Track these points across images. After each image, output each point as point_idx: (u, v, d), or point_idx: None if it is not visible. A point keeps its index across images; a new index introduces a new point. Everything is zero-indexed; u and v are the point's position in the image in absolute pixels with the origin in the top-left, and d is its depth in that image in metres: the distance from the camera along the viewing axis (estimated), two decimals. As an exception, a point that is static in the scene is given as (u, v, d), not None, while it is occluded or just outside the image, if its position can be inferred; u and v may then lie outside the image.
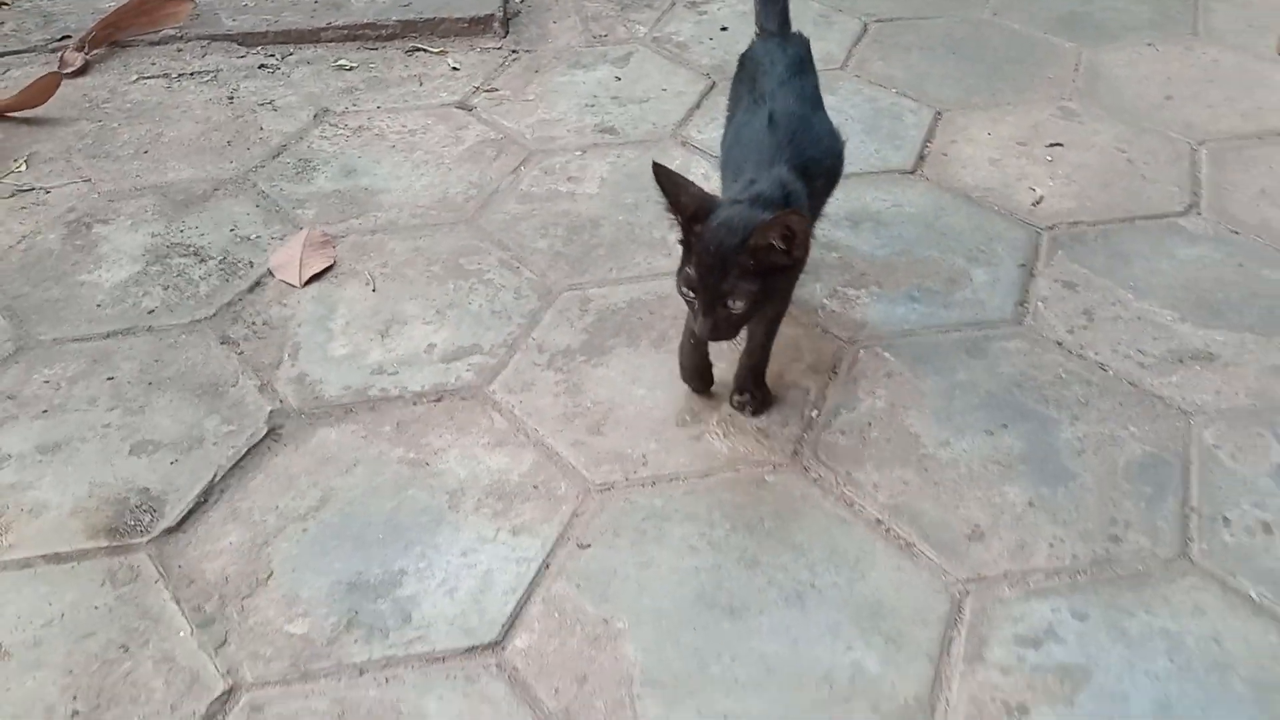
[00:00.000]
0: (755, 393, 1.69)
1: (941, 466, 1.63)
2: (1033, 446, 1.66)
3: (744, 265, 1.42)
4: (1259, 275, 2.00)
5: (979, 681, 1.34)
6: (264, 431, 1.72)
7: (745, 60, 1.84)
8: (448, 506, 1.59)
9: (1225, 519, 1.54)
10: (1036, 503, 1.57)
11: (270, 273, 2.06)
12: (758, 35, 1.87)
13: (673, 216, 1.48)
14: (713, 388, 1.75)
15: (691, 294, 1.47)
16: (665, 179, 1.47)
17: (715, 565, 1.50)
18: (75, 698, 1.35)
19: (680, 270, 1.48)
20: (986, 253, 2.06)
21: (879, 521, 1.55)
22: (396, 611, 1.44)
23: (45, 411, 1.76)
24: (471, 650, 1.40)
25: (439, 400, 1.78)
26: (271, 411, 1.75)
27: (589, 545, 1.53)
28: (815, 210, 1.69)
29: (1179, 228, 2.12)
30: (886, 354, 1.84)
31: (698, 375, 1.72)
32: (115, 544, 1.54)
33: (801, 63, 1.78)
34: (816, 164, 1.64)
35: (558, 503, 1.59)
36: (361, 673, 1.37)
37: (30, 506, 1.60)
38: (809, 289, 1.97)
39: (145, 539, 1.55)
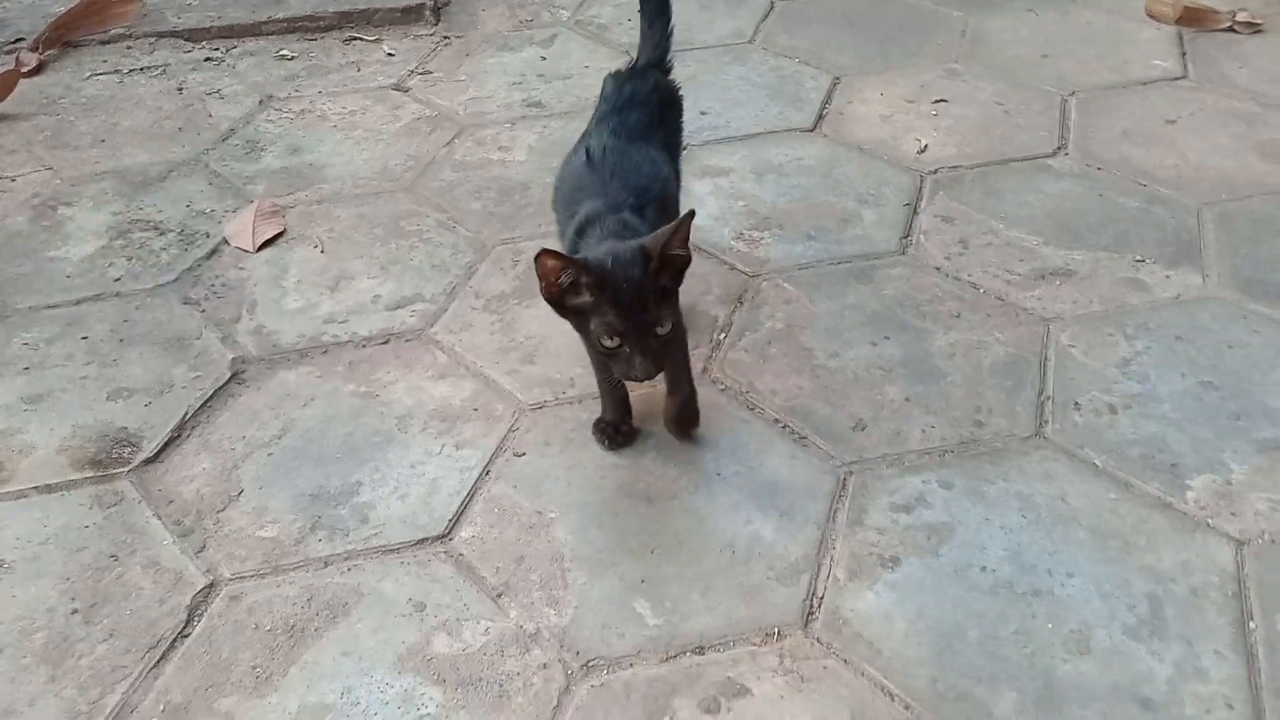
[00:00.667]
0: (694, 431, 1.72)
1: (831, 374, 1.86)
2: (910, 353, 1.89)
3: (659, 287, 1.43)
4: (1116, 203, 2.25)
5: (858, 540, 1.57)
6: (228, 376, 1.91)
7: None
8: (397, 429, 1.79)
9: (1076, 404, 1.78)
10: (912, 398, 1.80)
11: (226, 241, 2.24)
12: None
13: (576, 296, 1.46)
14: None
15: (616, 341, 1.44)
16: (555, 255, 1.43)
17: (634, 463, 1.71)
18: (73, 599, 1.53)
19: (593, 327, 1.45)
20: (876, 196, 2.30)
21: (776, 420, 1.77)
22: (355, 515, 1.64)
23: (26, 369, 1.93)
24: (422, 542, 1.60)
25: (386, 343, 1.97)
26: (233, 359, 1.94)
27: (524, 454, 1.74)
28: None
29: (1047, 167, 2.37)
30: (786, 284, 2.06)
31: (624, 435, 1.73)
32: (99, 474, 1.72)
33: (632, 97, 1.78)
34: (644, 194, 1.64)
35: (495, 421, 1.79)
36: (326, 565, 1.57)
37: (20, 448, 1.77)
38: (718, 234, 2.19)
39: (126, 469, 1.73)
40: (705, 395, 1.79)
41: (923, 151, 2.42)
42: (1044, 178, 2.33)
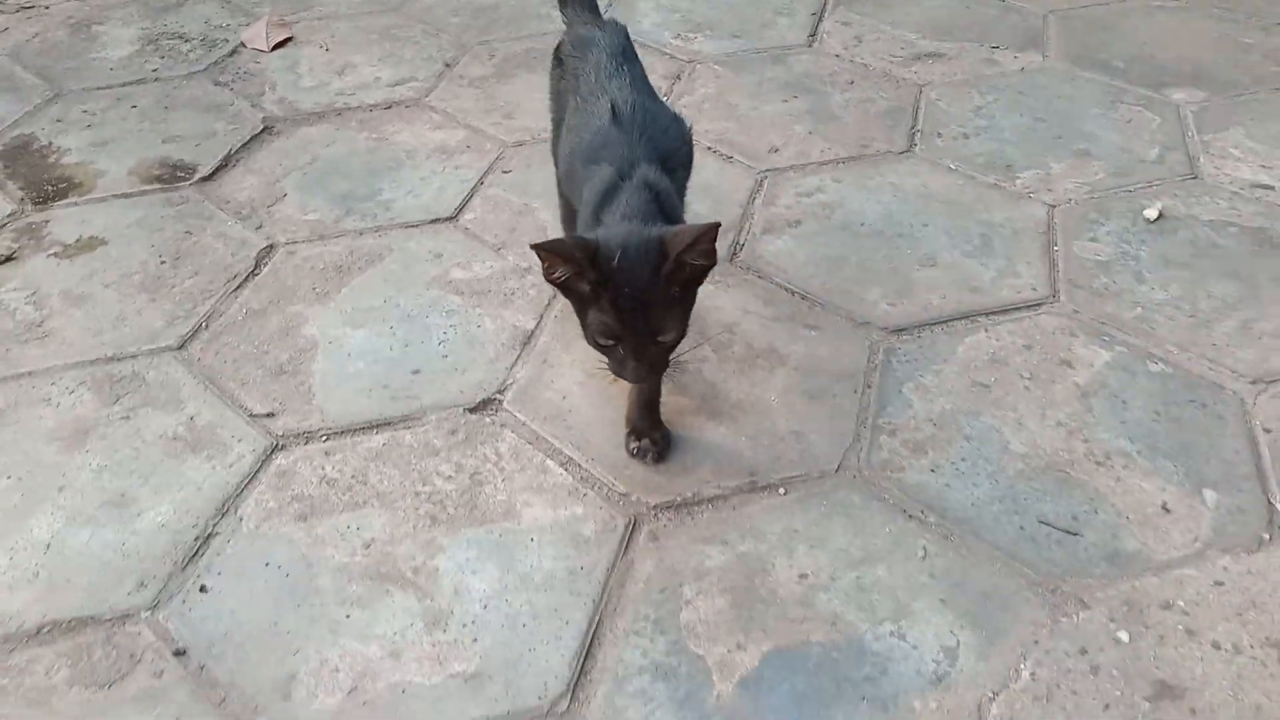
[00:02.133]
0: (654, 435, 1.52)
1: (751, 119, 2.34)
2: (814, 106, 2.39)
3: (668, 294, 1.29)
4: (979, 11, 2.77)
5: (771, 212, 2.06)
6: (260, 128, 2.33)
7: (561, 57, 1.68)
8: (406, 158, 2.24)
9: (939, 133, 2.29)
10: (815, 132, 2.30)
11: (243, 44, 2.66)
12: (568, 29, 1.73)
13: (578, 283, 1.29)
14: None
15: (613, 341, 1.31)
16: (552, 251, 1.27)
17: (597, 173, 2.18)
18: (161, 257, 1.96)
19: (590, 320, 1.31)
20: (789, 8, 2.79)
21: (709, 148, 2.25)
22: (379, 207, 2.09)
23: (89, 126, 2.34)
24: (435, 221, 2.05)
25: (389, 108, 2.41)
26: (263, 117, 2.37)
27: (510, 171, 2.19)
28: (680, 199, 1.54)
29: (927, -10, 2.89)
30: (716, 67, 2.55)
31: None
32: (166, 186, 2.14)
33: (625, 50, 1.61)
34: (674, 155, 1.50)
35: (485, 154, 2.25)
36: (360, 234, 2.02)
37: (95, 172, 2.19)
38: (659, 35, 2.67)
39: (188, 183, 2.15)
40: (652, 131, 2.25)
41: (827, -21, 2.92)
42: (924, -3, 2.85)
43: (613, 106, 1.47)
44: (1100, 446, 1.54)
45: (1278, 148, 2.20)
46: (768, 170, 2.18)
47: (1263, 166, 2.14)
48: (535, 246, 1.26)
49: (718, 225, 1.25)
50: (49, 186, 2.14)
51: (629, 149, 1.42)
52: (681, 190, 1.52)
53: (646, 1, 2.81)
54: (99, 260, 1.94)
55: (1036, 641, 1.30)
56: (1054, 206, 2.06)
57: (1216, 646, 1.29)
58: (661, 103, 1.60)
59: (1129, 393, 1.63)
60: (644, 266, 1.26)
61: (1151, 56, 2.55)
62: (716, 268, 1.35)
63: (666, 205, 1.38)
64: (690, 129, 1.58)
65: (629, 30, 1.70)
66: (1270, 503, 1.46)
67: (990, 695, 1.24)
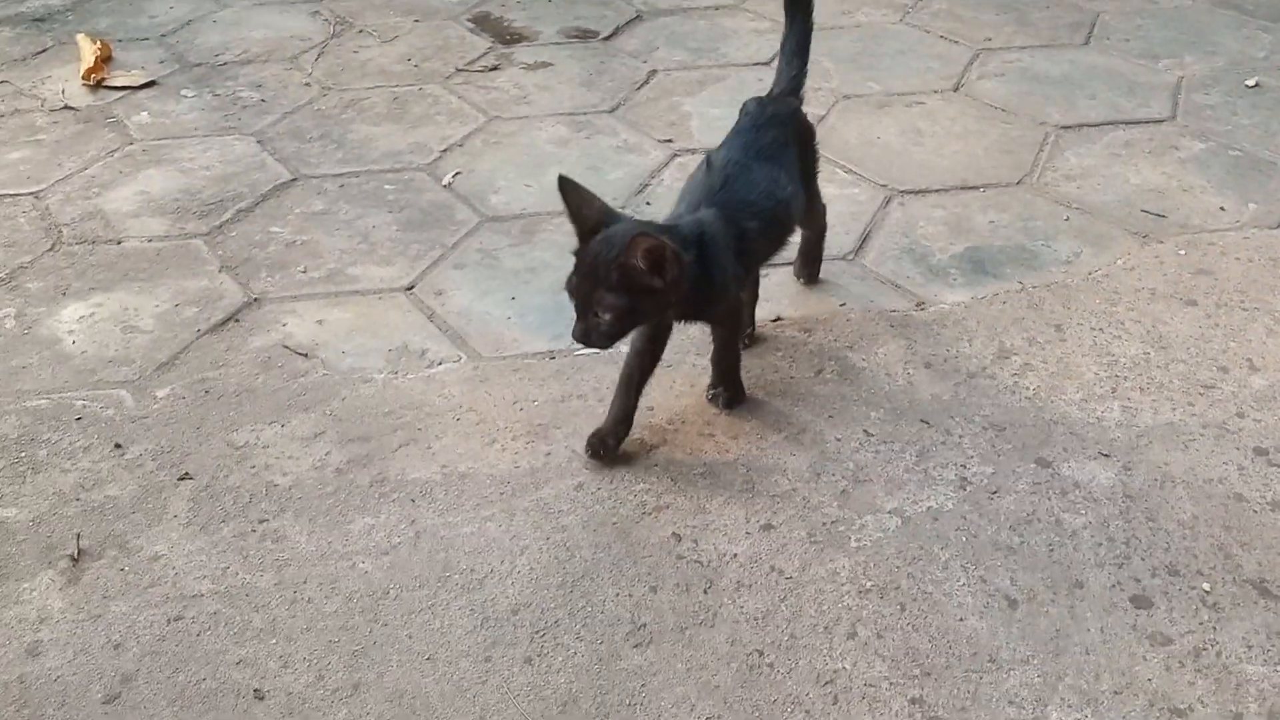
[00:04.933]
0: (728, 389, 1.82)
1: (971, 21, 3.36)
2: (1018, 18, 3.39)
3: (610, 280, 1.48)
4: (1149, -26, 3.71)
5: (983, 70, 3.07)
6: (634, 15, 3.51)
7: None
8: (731, 33, 3.35)
9: (1107, 38, 3.25)
10: (1019, 31, 3.30)
11: (612, -29, 3.87)
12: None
13: (573, 227, 1.55)
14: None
15: (571, 298, 1.55)
16: (570, 192, 1.54)
17: None
18: (588, 71, 3.13)
19: (571, 274, 1.55)
20: (1001, -36, 3.80)
21: (941, 37, 3.28)
22: (719, 56, 3.21)
23: (524, 8, 3.57)
24: (756, 64, 3.15)
25: (718, 10, 3.55)
26: (636, 10, 3.55)
27: (802, 43, 3.29)
28: (751, 256, 1.74)
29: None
30: (945, -5, 3.58)
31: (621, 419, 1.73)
32: (581, 40, 3.33)
33: (768, 121, 1.81)
34: (749, 207, 1.68)
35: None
36: (710, 68, 3.14)
37: (535, 31, 3.40)
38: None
39: (595, 39, 3.34)
40: None
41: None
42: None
43: (708, 159, 1.76)
44: (1188, 180, 2.49)
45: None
46: (982, 49, 3.18)
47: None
48: (562, 180, 1.55)
49: (662, 246, 1.47)
50: (508, 36, 3.37)
51: (704, 193, 1.69)
52: (759, 244, 1.74)
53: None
54: (550, 73, 3.13)
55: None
56: (1182, 76, 2.99)
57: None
58: (772, 168, 1.76)
59: (1212, 161, 2.57)
60: (606, 253, 1.49)
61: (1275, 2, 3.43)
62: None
63: (708, 247, 1.60)
64: (791, 195, 1.78)
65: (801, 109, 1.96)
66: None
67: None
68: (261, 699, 1.39)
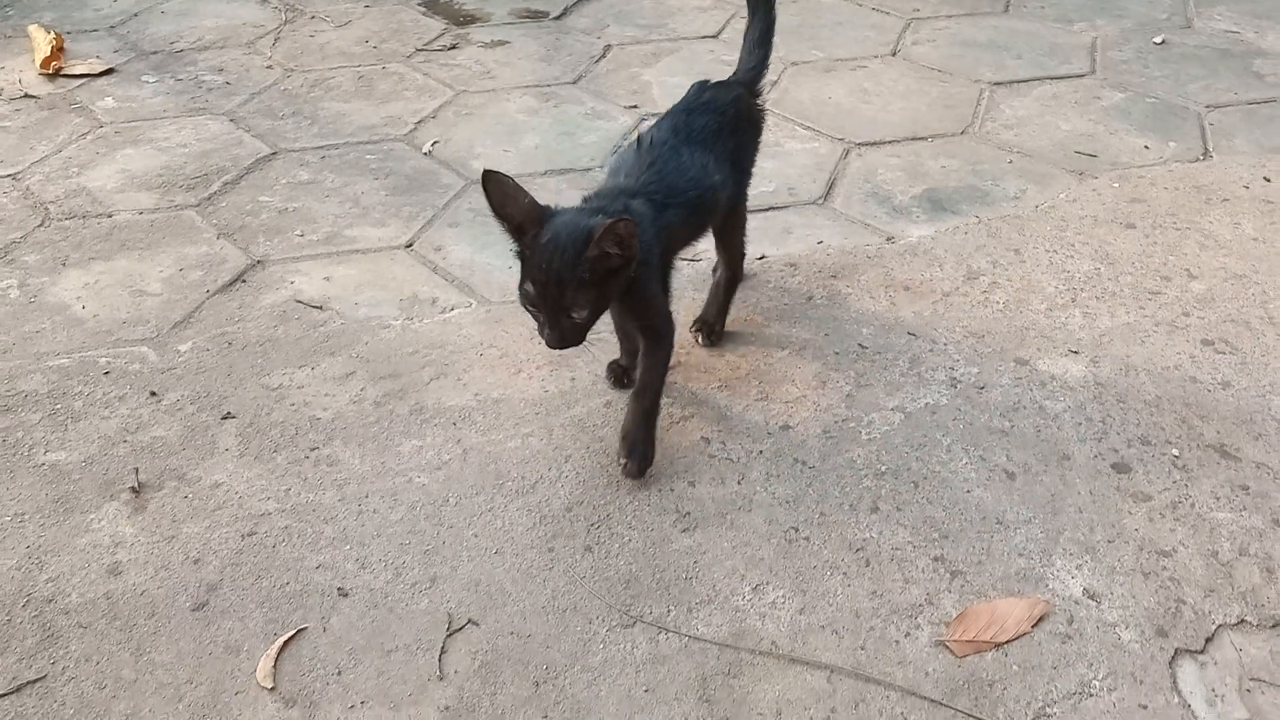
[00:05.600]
0: (643, 448, 1.65)
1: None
2: (939, -9, 3.63)
3: (580, 278, 1.44)
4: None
5: (916, 36, 3.30)
6: (580, -3, 3.65)
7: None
8: (678, 10, 3.52)
9: (1025, 5, 3.51)
10: (945, 1, 3.54)
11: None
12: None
13: (501, 226, 1.49)
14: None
15: (534, 309, 1.49)
16: (495, 189, 1.47)
17: None
18: (544, 48, 3.25)
19: (521, 286, 1.49)
20: (919, -55, 4.06)
21: (874, 9, 3.50)
22: (669, 30, 3.37)
23: (471, -7, 3.68)
24: (704, 37, 3.32)
25: (658, -9, 3.71)
26: (580, -8, 3.69)
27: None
28: (673, 238, 1.68)
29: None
30: (871, -27, 3.81)
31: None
32: (533, 20, 3.45)
33: (703, 105, 1.77)
34: (676, 193, 1.65)
35: (727, 10, 3.53)
36: (661, 41, 3.29)
37: (487, 13, 3.51)
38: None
39: (546, 19, 3.46)
40: None
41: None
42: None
43: (639, 138, 1.73)
44: (1113, 125, 2.74)
45: (1251, 15, 3.39)
46: (912, 19, 3.41)
47: (1234, 22, 3.33)
48: (488, 175, 1.47)
49: (630, 222, 1.44)
50: (460, 17, 3.48)
51: (634, 173, 1.66)
52: (679, 229, 1.69)
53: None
54: (508, 50, 3.25)
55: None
56: (1096, 37, 3.27)
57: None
58: (699, 152, 1.71)
59: (1132, 108, 2.83)
60: (566, 254, 1.42)
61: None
62: None
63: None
64: (718, 184, 1.73)
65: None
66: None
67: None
68: (346, 595, 1.48)
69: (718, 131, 1.76)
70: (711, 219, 1.79)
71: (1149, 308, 2.06)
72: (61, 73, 3.10)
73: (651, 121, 1.91)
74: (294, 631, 1.43)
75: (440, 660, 1.40)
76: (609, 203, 1.58)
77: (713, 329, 1.94)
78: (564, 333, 1.48)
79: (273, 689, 1.37)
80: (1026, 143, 2.67)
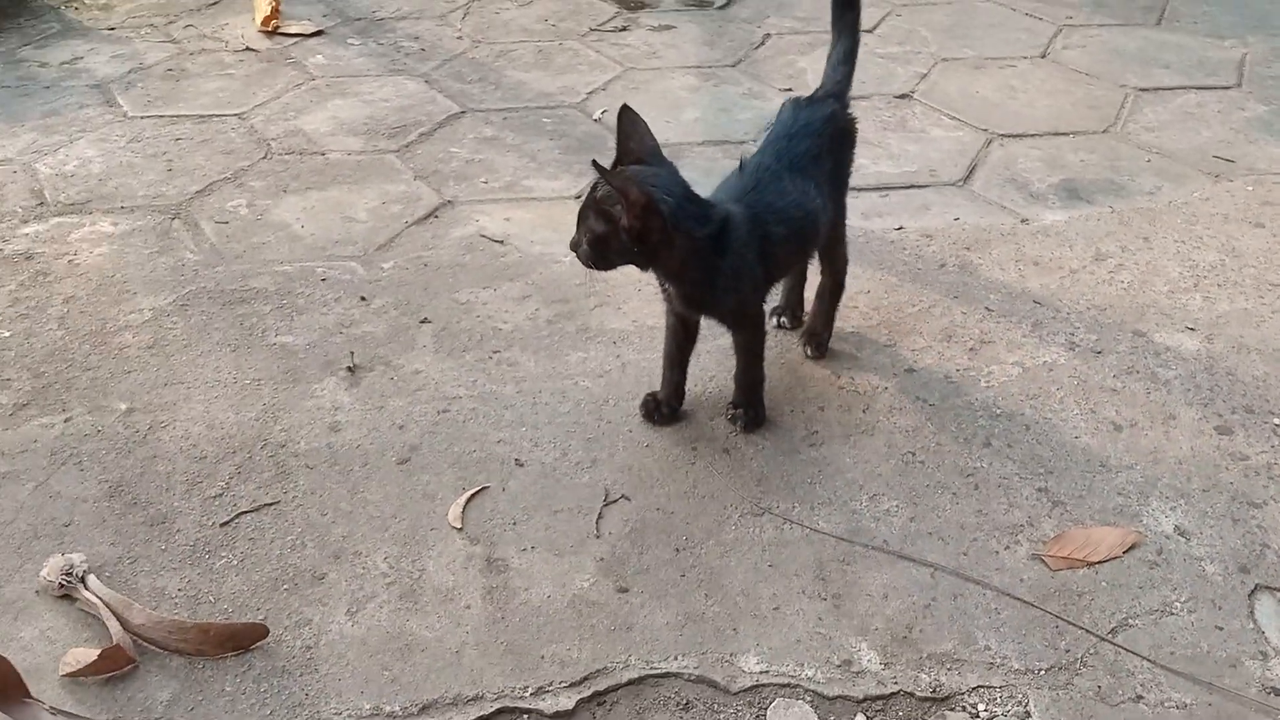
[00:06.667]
0: (748, 409, 1.81)
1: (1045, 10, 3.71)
2: (1097, 2, 3.73)
3: (594, 206, 1.58)
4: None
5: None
6: (744, -10, 3.89)
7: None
8: (835, 8, 3.72)
9: (1178, 18, 3.59)
10: (1099, 10, 3.64)
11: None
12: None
13: (616, 152, 1.61)
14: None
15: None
16: (628, 122, 1.61)
17: None
18: (707, 34, 3.50)
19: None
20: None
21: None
22: (825, 24, 3.58)
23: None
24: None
25: (818, -12, 3.91)
26: (744, -15, 3.92)
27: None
28: (774, 262, 1.74)
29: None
30: (1027, -19, 3.93)
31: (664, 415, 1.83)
32: (699, 8, 3.71)
33: (802, 130, 1.79)
34: (777, 214, 1.71)
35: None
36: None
37: (657, 0, 3.78)
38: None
39: (711, 9, 3.71)
40: None
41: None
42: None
43: (741, 163, 1.78)
44: (1254, 135, 2.82)
45: None
46: (1064, 25, 3.53)
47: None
48: (625, 108, 1.64)
49: (645, 196, 1.53)
50: (632, 3, 3.75)
51: (737, 192, 1.72)
52: (779, 255, 1.75)
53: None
54: (674, 34, 3.51)
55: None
56: (1246, 53, 3.33)
57: None
58: (808, 183, 1.76)
59: (1275, 121, 2.90)
60: (599, 189, 1.58)
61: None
62: None
63: (729, 233, 1.63)
64: (819, 209, 1.78)
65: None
66: None
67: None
68: (521, 465, 1.75)
69: (817, 156, 1.80)
70: (814, 242, 1.85)
71: (1268, 298, 2.17)
72: (278, 31, 3.50)
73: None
74: (479, 489, 1.71)
75: (597, 524, 1.66)
76: (716, 200, 1.67)
77: (820, 339, 1.99)
78: (576, 243, 1.64)
79: (461, 530, 1.64)
80: (1166, 144, 2.79)
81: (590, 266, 1.66)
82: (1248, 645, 1.49)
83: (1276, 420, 1.85)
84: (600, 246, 1.60)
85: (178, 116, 2.94)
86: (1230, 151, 2.75)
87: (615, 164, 1.64)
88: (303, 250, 2.36)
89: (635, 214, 1.55)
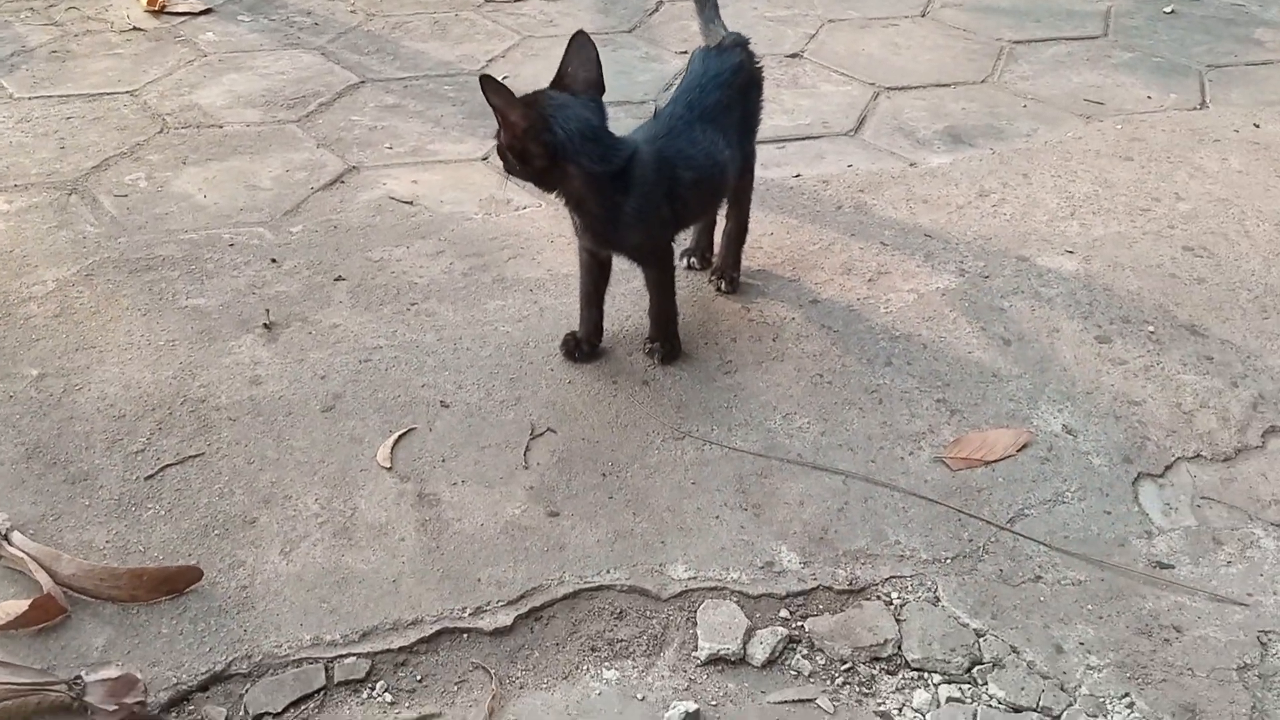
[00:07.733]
0: (664, 343, 1.88)
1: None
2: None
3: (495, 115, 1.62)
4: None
5: (944, 1, 3.58)
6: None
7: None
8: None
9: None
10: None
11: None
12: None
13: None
14: None
15: None
16: (583, 47, 1.70)
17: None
18: (603, 2, 3.56)
19: None
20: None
21: (904, -22, 3.78)
22: None
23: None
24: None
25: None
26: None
27: None
28: (682, 205, 1.80)
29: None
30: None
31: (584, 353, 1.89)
32: (593, -22, 3.76)
33: (713, 81, 1.84)
34: (688, 160, 1.76)
35: None
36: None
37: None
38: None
39: (604, -22, 3.77)
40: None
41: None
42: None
43: (655, 111, 1.93)
44: (1120, 79, 3.01)
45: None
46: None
47: (1243, -5, 3.60)
48: (580, 33, 1.72)
49: (528, 118, 1.61)
50: (526, -24, 3.78)
51: (650, 135, 1.78)
52: (685, 201, 1.80)
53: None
54: (569, 3, 3.54)
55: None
56: (1111, 6, 3.53)
57: (1164, 127, 2.75)
58: (719, 134, 1.83)
59: (1138, 66, 3.10)
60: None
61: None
62: None
63: (635, 169, 1.68)
64: (728, 160, 1.85)
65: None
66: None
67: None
68: (447, 406, 1.79)
69: (727, 106, 1.85)
70: (723, 190, 1.91)
71: (1139, 221, 2.33)
72: (165, 10, 3.44)
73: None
74: (406, 430, 1.74)
75: (525, 456, 1.71)
76: (617, 146, 1.68)
77: (731, 276, 2.06)
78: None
79: (390, 469, 1.67)
80: (1040, 91, 2.95)
81: (505, 170, 1.70)
82: (1134, 526, 1.61)
83: (1151, 328, 2.00)
84: (500, 154, 1.67)
85: (67, 96, 2.88)
86: (1100, 95, 2.92)
87: (551, 86, 1.70)
88: (207, 219, 2.34)
89: (514, 134, 1.62)
